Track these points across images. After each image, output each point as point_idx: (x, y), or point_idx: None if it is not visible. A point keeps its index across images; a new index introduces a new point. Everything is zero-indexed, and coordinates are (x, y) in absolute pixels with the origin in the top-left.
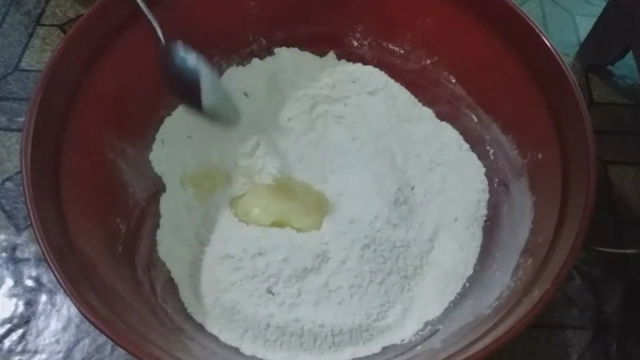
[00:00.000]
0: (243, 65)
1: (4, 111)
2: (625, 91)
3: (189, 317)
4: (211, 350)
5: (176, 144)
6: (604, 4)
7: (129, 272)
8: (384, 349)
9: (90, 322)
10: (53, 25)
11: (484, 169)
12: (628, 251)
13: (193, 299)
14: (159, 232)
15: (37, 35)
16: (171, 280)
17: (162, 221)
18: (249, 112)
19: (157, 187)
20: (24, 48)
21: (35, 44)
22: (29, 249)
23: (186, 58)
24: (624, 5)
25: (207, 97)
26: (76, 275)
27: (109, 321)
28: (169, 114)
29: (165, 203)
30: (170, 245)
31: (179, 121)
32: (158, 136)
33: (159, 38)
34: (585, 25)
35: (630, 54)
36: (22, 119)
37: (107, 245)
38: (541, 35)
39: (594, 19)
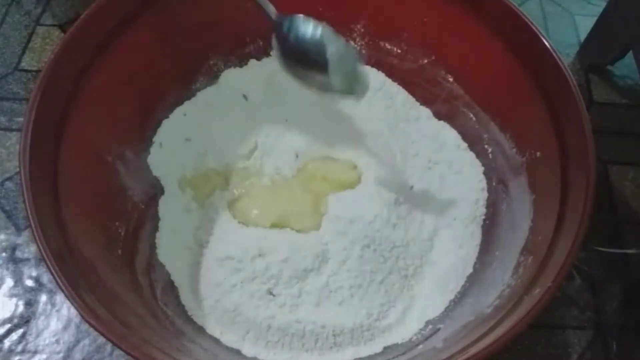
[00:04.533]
0: (240, 66)
1: (4, 111)
2: (625, 91)
3: (189, 320)
4: (212, 352)
5: (174, 146)
6: (604, 4)
7: (128, 275)
8: (386, 348)
9: (92, 325)
10: (53, 25)
11: (483, 168)
12: (628, 251)
13: (193, 301)
14: (158, 234)
15: (37, 35)
16: (171, 282)
17: (161, 224)
18: (246, 113)
19: (156, 190)
20: (24, 48)
21: (35, 44)
22: (29, 249)
23: (304, 32)
24: (624, 5)
25: (335, 72)
26: (76, 278)
27: (110, 324)
28: (167, 117)
29: (164, 206)
30: (169, 247)
31: (176, 124)
32: (156, 139)
33: (268, 15)
34: (585, 25)
35: (630, 54)
36: (22, 119)
37: (106, 248)
38: (539, 35)
39: (594, 19)
